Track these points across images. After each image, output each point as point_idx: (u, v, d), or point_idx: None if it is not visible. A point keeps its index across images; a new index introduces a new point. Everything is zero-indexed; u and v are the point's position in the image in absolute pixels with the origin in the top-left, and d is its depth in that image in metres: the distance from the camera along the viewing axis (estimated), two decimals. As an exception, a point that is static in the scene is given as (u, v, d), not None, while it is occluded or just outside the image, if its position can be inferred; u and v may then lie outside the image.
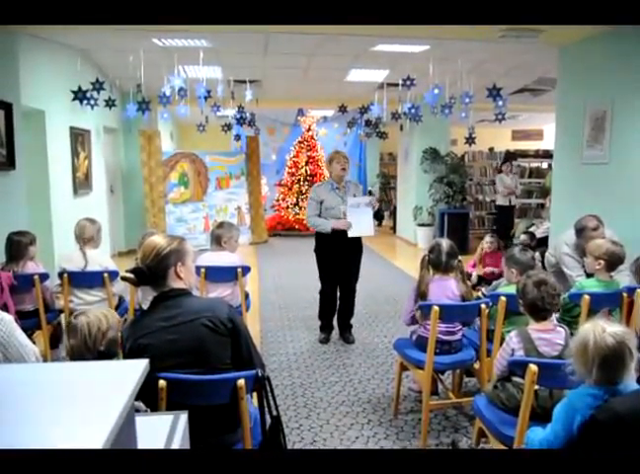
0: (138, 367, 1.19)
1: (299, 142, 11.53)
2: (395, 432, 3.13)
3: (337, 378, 3.88)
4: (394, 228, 11.43)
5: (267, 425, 2.11)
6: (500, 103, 6.29)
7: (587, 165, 4.81)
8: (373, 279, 6.78)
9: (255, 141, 10.02)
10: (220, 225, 4.02)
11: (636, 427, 1.08)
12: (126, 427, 1.10)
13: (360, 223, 4.27)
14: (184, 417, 1.59)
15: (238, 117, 8.26)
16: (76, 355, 2.09)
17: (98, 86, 6.00)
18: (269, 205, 11.60)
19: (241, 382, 1.94)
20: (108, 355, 2.10)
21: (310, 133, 11.52)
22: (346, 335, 4.67)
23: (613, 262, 3.18)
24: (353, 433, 3.12)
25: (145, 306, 2.45)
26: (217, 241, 3.93)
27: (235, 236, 3.97)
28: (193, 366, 1.98)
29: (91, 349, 2.10)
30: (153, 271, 2.02)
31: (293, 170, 11.42)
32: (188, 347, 1.99)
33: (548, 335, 2.31)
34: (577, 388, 1.56)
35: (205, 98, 6.33)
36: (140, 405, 2.04)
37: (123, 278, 2.05)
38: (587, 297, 2.97)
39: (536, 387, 2.10)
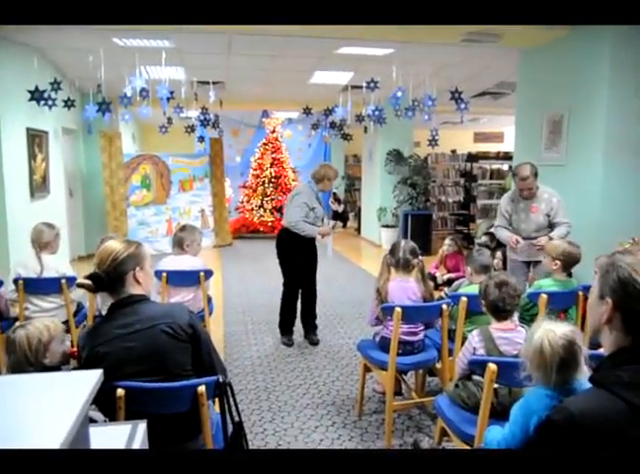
0: (92, 378, 1.16)
1: (264, 144, 11.48)
2: (359, 433, 3.14)
3: (301, 381, 3.87)
4: (359, 229, 11.50)
5: (229, 431, 2.08)
6: (462, 106, 6.39)
7: (545, 166, 4.91)
8: (338, 281, 6.80)
9: (219, 143, 9.93)
10: (182, 228, 3.96)
11: (589, 426, 1.10)
12: (79, 439, 1.07)
13: (329, 244, 4.71)
14: (142, 426, 1.56)
15: (202, 118, 8.16)
16: (17, 371, 2.01)
17: (56, 86, 5.84)
18: (233, 208, 11.52)
19: (202, 389, 1.91)
20: (54, 367, 2.04)
21: (275, 135, 11.48)
22: (311, 336, 4.67)
23: (569, 262, 3.28)
24: (317, 435, 3.12)
25: (105, 313, 2.39)
26: (179, 245, 3.87)
27: (198, 239, 3.92)
28: (152, 374, 1.94)
29: (33, 363, 2.03)
30: (111, 276, 1.96)
31: (258, 172, 11.36)
32: (147, 354, 1.95)
33: (509, 334, 2.36)
34: (533, 389, 1.60)
35: (168, 99, 6.22)
36: (97, 415, 1.99)
37: (80, 285, 1.98)
38: (544, 296, 3.05)
39: (496, 385, 2.14)
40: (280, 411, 3.42)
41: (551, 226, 3.99)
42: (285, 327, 4.69)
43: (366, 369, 3.26)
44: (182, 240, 3.85)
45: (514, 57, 5.43)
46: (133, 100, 6.02)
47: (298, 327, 4.76)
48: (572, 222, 3.94)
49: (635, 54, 4.23)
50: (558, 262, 3.28)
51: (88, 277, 1.95)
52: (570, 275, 3.54)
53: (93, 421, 1.93)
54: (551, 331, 1.57)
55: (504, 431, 1.67)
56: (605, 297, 1.22)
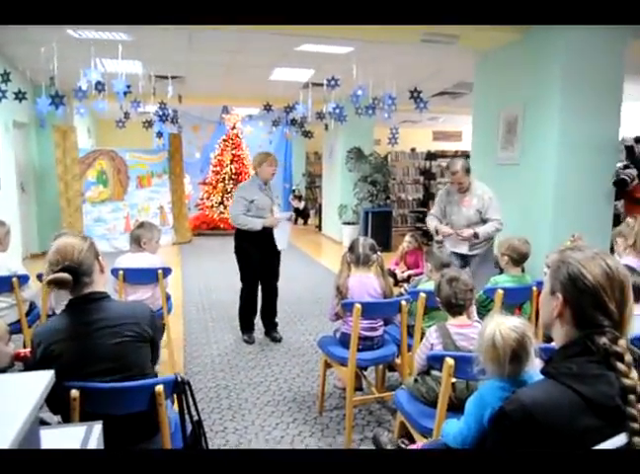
0: (43, 379, 1.12)
1: (224, 140, 11.37)
2: (320, 429, 3.16)
3: (262, 378, 3.86)
4: (320, 227, 11.52)
5: (188, 430, 2.06)
6: (421, 105, 6.48)
7: (501, 166, 5.05)
8: (299, 278, 6.80)
9: (178, 139, 9.77)
10: (140, 225, 3.88)
11: (540, 416, 1.13)
12: (29, 441, 1.03)
13: (284, 234, 4.42)
14: (97, 427, 1.52)
15: (160, 113, 8.01)
16: None
17: (5, 77, 5.63)
18: (193, 204, 11.37)
19: (160, 388, 1.88)
20: None
21: (235, 131, 11.38)
22: (272, 334, 4.65)
23: (517, 258, 3.38)
24: (278, 432, 3.12)
25: (59, 312, 2.32)
26: (137, 242, 3.79)
27: (156, 237, 3.85)
28: (112, 373, 1.91)
29: None
30: (83, 267, 1.91)
31: (218, 168, 11.25)
32: (108, 353, 1.91)
33: (465, 330, 2.41)
34: (486, 382, 1.64)
35: (125, 93, 6.08)
36: (50, 417, 1.94)
37: (55, 281, 1.85)
38: (500, 292, 3.13)
39: (454, 380, 2.19)
40: (241, 409, 3.39)
41: (484, 222, 4.14)
42: (245, 324, 4.65)
43: (327, 365, 3.28)
44: (139, 237, 3.78)
45: (471, 58, 5.54)
46: (89, 93, 5.86)
47: (260, 324, 4.74)
48: (503, 220, 4.11)
49: (586, 56, 4.37)
50: (506, 257, 3.38)
51: (62, 270, 1.86)
52: (523, 270, 3.64)
53: (46, 423, 1.87)
54: (502, 324, 1.62)
55: (459, 423, 1.70)
56: (556, 293, 1.26)
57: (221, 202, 11.00)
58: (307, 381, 3.81)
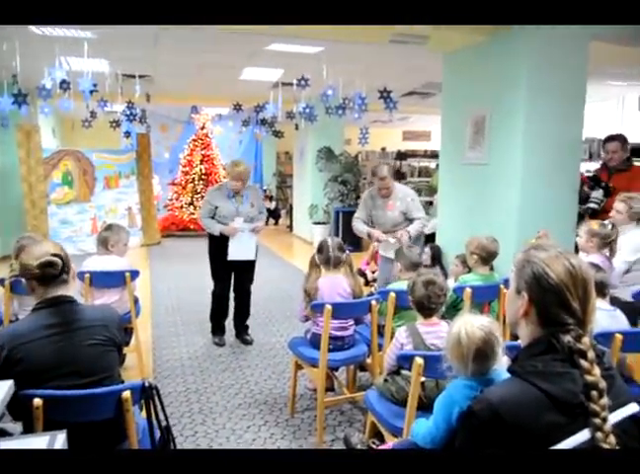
0: (1, 389, 1.08)
1: (193, 140, 11.23)
2: (292, 431, 3.15)
3: (233, 381, 3.83)
4: (291, 227, 11.50)
5: (156, 436, 2.02)
6: (391, 105, 6.52)
7: (469, 165, 5.10)
8: (270, 279, 6.77)
9: (146, 139, 9.62)
10: (107, 228, 3.81)
11: (507, 414, 1.15)
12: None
13: (242, 246, 4.33)
14: (61, 437, 1.48)
15: (128, 113, 7.86)
16: None
17: (-37, 75, 5.46)
18: (162, 205, 11.21)
19: (127, 394, 1.85)
20: None
21: (205, 131, 11.26)
22: (243, 336, 4.62)
23: (486, 256, 3.43)
24: (249, 435, 3.09)
25: (21, 317, 2.27)
26: (104, 244, 3.72)
27: (123, 239, 3.78)
28: (83, 377, 1.88)
29: None
30: (67, 263, 1.96)
31: (187, 169, 11.10)
32: (78, 356, 1.89)
33: (434, 328, 2.43)
34: (454, 381, 1.66)
35: (91, 92, 5.95)
36: (13, 428, 1.89)
37: (45, 265, 1.89)
38: (468, 290, 3.17)
39: (423, 379, 2.20)
40: (212, 412, 3.36)
41: (410, 221, 4.39)
42: (215, 326, 4.61)
43: (298, 367, 3.27)
44: (106, 240, 3.70)
45: (440, 59, 5.59)
46: (53, 92, 5.72)
47: (231, 326, 4.70)
48: (426, 217, 4.50)
49: (550, 58, 4.45)
50: (475, 256, 3.42)
51: (56, 256, 1.92)
52: (492, 268, 3.69)
53: (7, 434, 1.81)
54: (469, 322, 1.64)
55: (428, 423, 1.72)
56: (522, 292, 1.28)
57: (191, 203, 10.87)
58: (279, 383, 3.79)
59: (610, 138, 4.70)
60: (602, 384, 1.16)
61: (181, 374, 3.94)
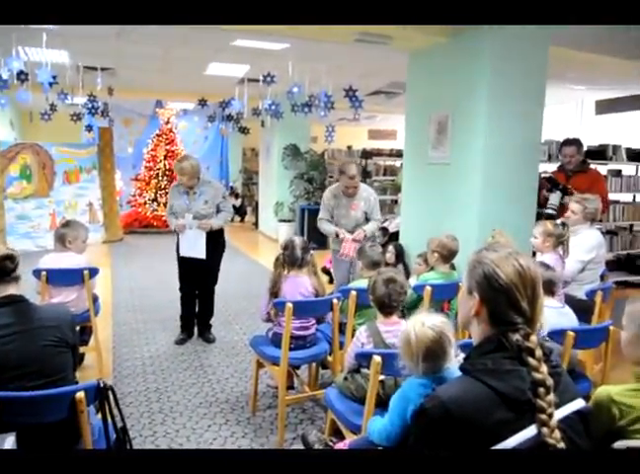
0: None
1: (158, 135, 11.05)
2: (253, 429, 3.14)
3: (194, 380, 3.79)
4: (256, 224, 11.45)
5: (112, 437, 1.99)
6: (356, 103, 6.55)
7: (432, 165, 5.17)
8: (235, 277, 6.73)
9: (108, 133, 9.42)
10: (65, 224, 3.72)
11: (458, 411, 1.17)
12: None
13: (191, 244, 4.30)
14: (10, 439, 1.45)
15: (89, 106, 7.69)
16: None
17: None
18: (124, 201, 11.00)
19: (80, 395, 1.81)
20: None
21: (169, 126, 11.09)
22: (206, 334, 4.58)
23: (447, 255, 3.49)
24: (210, 434, 3.07)
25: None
26: (61, 241, 3.63)
27: (82, 235, 3.69)
28: (31, 379, 1.83)
29: None
30: (18, 260, 1.97)
31: (151, 164, 10.92)
32: (26, 358, 1.84)
33: (394, 327, 2.45)
34: (408, 379, 1.68)
35: (51, 84, 5.80)
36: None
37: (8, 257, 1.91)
38: (429, 288, 3.21)
39: (382, 377, 2.22)
40: (172, 412, 3.32)
41: (367, 221, 4.43)
42: (182, 324, 4.58)
43: (260, 365, 3.26)
44: (64, 236, 3.61)
45: (404, 59, 5.64)
46: (10, 83, 5.55)
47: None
48: (381, 219, 4.66)
49: (511, 60, 4.54)
50: (436, 254, 3.48)
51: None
52: (453, 267, 3.75)
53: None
54: (419, 322, 1.66)
55: (384, 420, 1.74)
56: (473, 292, 1.30)
57: (154, 199, 10.70)
58: (240, 382, 3.78)
59: (567, 143, 4.84)
60: (549, 381, 1.19)
61: (141, 373, 3.88)
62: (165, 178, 10.77)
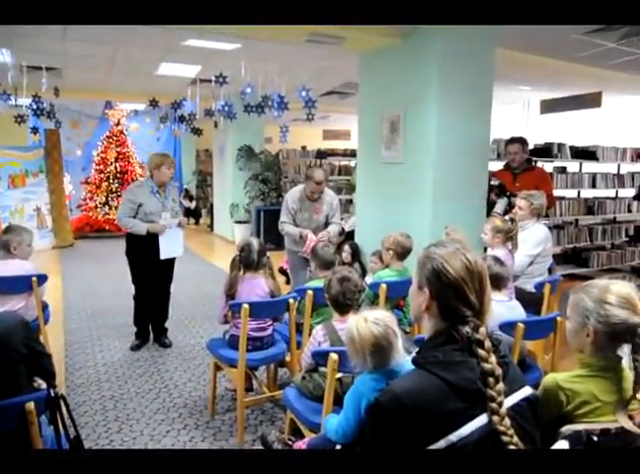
0: None
1: (108, 137, 10.78)
2: (212, 433, 3.11)
3: (151, 386, 3.72)
4: (212, 226, 11.32)
5: (65, 447, 1.94)
6: (309, 103, 6.57)
7: (385, 164, 5.24)
8: (190, 280, 6.64)
9: (55, 135, 9.13)
10: (7, 230, 3.58)
11: (412, 404, 1.19)
12: None
13: (171, 244, 4.24)
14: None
15: (34, 107, 7.42)
16: None
17: None
18: (74, 205, 10.68)
19: (30, 405, 1.75)
20: None
21: (120, 128, 10.84)
22: (161, 339, 4.50)
23: (401, 252, 3.55)
24: (168, 440, 3.03)
25: None
26: (6, 248, 3.49)
27: (27, 240, 3.56)
28: None
29: None
30: None
31: (102, 167, 10.64)
32: None
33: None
34: (361, 375, 1.71)
35: (-8, 84, 5.59)
36: None
37: None
38: (384, 286, 3.26)
39: (340, 375, 2.24)
40: (129, 419, 3.26)
41: (326, 226, 4.50)
42: (139, 329, 4.48)
43: (217, 368, 3.24)
44: (8, 242, 3.47)
45: (356, 59, 5.70)
46: (-53, 84, 5.31)
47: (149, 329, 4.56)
48: (342, 222, 4.70)
49: (460, 61, 4.66)
50: (391, 251, 3.53)
51: None
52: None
53: None
54: (363, 318, 1.69)
55: (339, 417, 1.76)
56: (423, 287, 1.33)
57: (106, 203, 10.43)
58: (198, 385, 3.73)
59: (512, 141, 4.99)
60: (498, 371, 1.24)
61: (95, 382, 3.78)
62: (116, 181, 10.52)
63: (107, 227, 10.15)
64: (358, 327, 1.65)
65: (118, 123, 10.82)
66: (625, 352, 1.63)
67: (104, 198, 10.47)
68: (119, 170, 10.60)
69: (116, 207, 10.11)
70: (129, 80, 8.20)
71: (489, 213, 4.86)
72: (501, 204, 4.73)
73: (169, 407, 3.42)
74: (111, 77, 7.97)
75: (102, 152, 10.73)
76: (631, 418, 1.52)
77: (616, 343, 1.60)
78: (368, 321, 1.66)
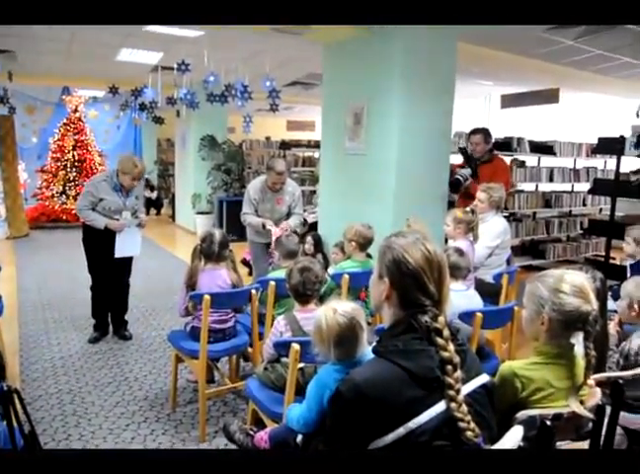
0: None
1: (65, 124, 10.43)
2: (174, 425, 3.08)
3: (110, 379, 3.65)
4: (173, 217, 11.15)
5: (19, 443, 1.88)
6: (273, 94, 6.52)
7: (349, 155, 5.26)
8: (152, 271, 6.54)
9: (9, 121, 8.77)
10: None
11: (372, 392, 1.21)
12: None
13: (128, 243, 4.15)
14: None
15: (-14, 92, 7.16)
16: None
17: None
18: (29, 194, 10.33)
19: (-20, 400, 1.70)
20: None
21: (78, 115, 10.51)
22: (121, 332, 4.42)
23: (363, 243, 3.57)
24: (128, 434, 2.98)
25: None
26: (-44, 237, 3.36)
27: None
28: None
29: None
30: None
31: (59, 155, 10.31)
32: None
33: (311, 314, 2.48)
34: (325, 365, 1.71)
35: (-61, 67, 5.34)
36: None
37: None
38: (346, 276, 3.28)
39: (302, 365, 2.25)
40: (87, 413, 3.19)
41: (288, 217, 4.49)
42: (97, 321, 4.39)
43: (179, 360, 3.20)
44: (-41, 232, 3.35)
45: (320, 50, 5.67)
46: None
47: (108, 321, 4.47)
48: (303, 213, 4.75)
49: (422, 55, 4.70)
50: (354, 243, 3.55)
51: None
52: (369, 255, 3.84)
53: None
54: (330, 309, 1.70)
55: (302, 406, 1.76)
56: (384, 277, 1.35)
57: (63, 192, 10.13)
58: (159, 378, 3.69)
59: (474, 131, 5.06)
60: (456, 359, 1.26)
61: (52, 375, 3.69)
62: (74, 169, 10.22)
63: (64, 217, 9.85)
64: (326, 317, 1.66)
65: (75, 110, 10.49)
66: (578, 340, 1.68)
67: (61, 188, 10.16)
68: (76, 158, 10.28)
69: (74, 197, 9.84)
70: (88, 65, 7.97)
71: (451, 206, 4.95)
72: (464, 172, 4.83)
73: (129, 400, 3.37)
74: (68, 62, 7.72)
75: (59, 140, 10.38)
76: (582, 403, 1.57)
77: (569, 331, 1.65)
78: (337, 312, 1.67)
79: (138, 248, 4.23)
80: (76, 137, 10.38)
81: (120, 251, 4.11)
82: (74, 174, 10.18)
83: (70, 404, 3.30)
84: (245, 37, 5.77)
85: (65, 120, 10.47)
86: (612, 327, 2.53)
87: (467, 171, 4.88)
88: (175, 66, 6.16)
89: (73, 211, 9.75)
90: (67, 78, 9.03)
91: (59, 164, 10.27)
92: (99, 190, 4.06)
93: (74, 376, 3.69)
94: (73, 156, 10.28)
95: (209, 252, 3.10)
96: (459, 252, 2.86)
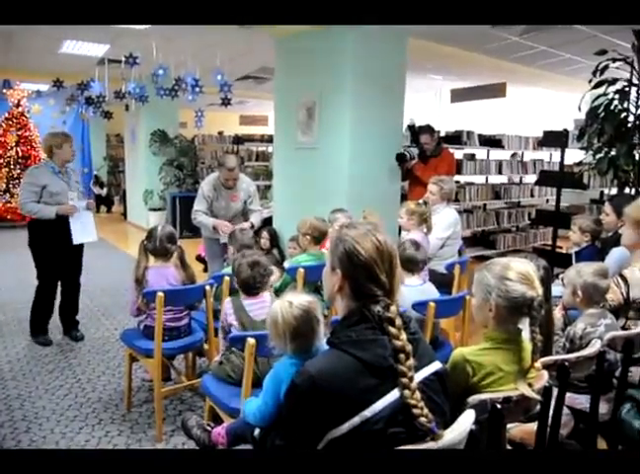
0: None
1: (7, 119, 10.00)
2: (129, 426, 3.02)
3: (62, 382, 3.55)
4: (125, 214, 10.89)
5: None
6: (225, 88, 6.45)
7: (301, 149, 5.26)
8: (103, 270, 6.38)
9: (-55, 116, 8.38)
10: None
11: (326, 383, 1.22)
12: None
13: (83, 228, 4.04)
14: None
15: None
16: None
17: None
18: (-30, 193, 9.88)
19: None
20: None
21: (20, 110, 10.10)
22: (72, 332, 4.29)
23: (318, 236, 3.59)
24: (82, 437, 2.91)
25: None
26: None
27: None
28: None
29: None
30: None
31: (1, 151, 9.89)
32: None
33: (258, 300, 2.52)
34: (281, 359, 1.72)
35: None
36: None
37: None
38: (301, 270, 3.28)
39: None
40: (38, 418, 3.09)
41: (245, 213, 4.44)
42: (39, 325, 4.21)
43: (133, 359, 3.13)
44: None
45: (272, 43, 5.64)
46: None
47: (57, 322, 4.33)
48: (264, 210, 4.70)
49: (374, 50, 4.76)
50: (308, 236, 3.57)
51: None
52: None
53: None
54: (287, 302, 1.70)
55: (258, 401, 1.76)
56: (336, 268, 1.36)
57: (7, 190, 9.72)
58: (113, 378, 3.61)
59: (421, 131, 5.20)
60: (409, 347, 1.28)
61: (-1, 380, 3.56)
62: (18, 166, 9.81)
63: (8, 216, 9.47)
64: (282, 310, 1.65)
65: (18, 105, 10.07)
66: (525, 325, 1.74)
67: (4, 186, 9.75)
68: (20, 155, 9.89)
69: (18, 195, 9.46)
70: (30, 57, 7.67)
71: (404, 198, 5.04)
72: (414, 151, 4.96)
73: (82, 402, 3.28)
74: (9, 54, 7.40)
75: (1, 135, 9.96)
76: (530, 385, 1.63)
77: (516, 316, 1.71)
78: (293, 306, 1.67)
79: (94, 232, 4.11)
80: (19, 133, 9.98)
81: (78, 237, 4.00)
82: (18, 171, 9.78)
83: (19, 409, 3.18)
84: (194, 29, 5.67)
85: (7, 115, 10.03)
86: (557, 311, 2.63)
87: (414, 150, 5.01)
88: (122, 59, 6.01)
89: (18, 210, 9.40)
90: (8, 71, 8.67)
91: (2, 161, 9.85)
92: (38, 177, 3.92)
93: (23, 381, 3.56)
94: (17, 153, 9.88)
95: (154, 248, 3.04)
96: (416, 245, 2.90)
